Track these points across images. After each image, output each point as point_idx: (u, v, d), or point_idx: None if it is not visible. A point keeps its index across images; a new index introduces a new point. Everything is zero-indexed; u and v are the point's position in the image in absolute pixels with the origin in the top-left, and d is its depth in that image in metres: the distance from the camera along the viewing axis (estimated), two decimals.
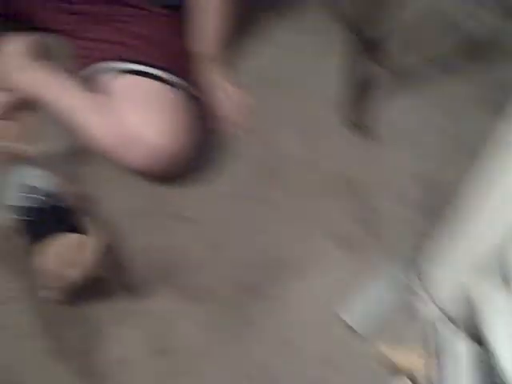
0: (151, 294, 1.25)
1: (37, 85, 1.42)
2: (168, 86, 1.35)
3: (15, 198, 1.22)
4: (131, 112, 1.31)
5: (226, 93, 1.50)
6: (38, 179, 1.24)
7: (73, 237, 1.15)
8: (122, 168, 1.35)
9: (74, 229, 1.17)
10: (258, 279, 1.29)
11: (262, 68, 1.60)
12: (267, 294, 1.27)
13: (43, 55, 1.48)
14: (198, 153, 1.40)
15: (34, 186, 1.22)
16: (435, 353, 1.13)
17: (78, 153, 1.39)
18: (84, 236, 1.15)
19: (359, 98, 1.54)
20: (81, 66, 1.44)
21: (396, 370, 1.15)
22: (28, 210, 1.20)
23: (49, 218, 1.19)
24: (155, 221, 1.35)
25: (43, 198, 1.21)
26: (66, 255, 1.13)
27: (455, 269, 1.12)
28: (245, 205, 1.39)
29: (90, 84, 1.41)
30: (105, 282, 1.21)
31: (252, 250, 1.33)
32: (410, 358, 1.15)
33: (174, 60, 1.40)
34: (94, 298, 1.23)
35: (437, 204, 1.34)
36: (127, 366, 1.18)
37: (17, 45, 1.46)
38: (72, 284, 1.16)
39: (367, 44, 1.54)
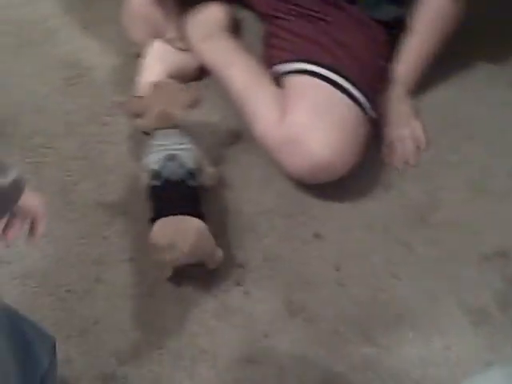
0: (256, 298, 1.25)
1: (217, 57, 1.42)
2: (348, 98, 1.28)
3: (157, 162, 1.22)
4: (302, 112, 1.26)
5: (409, 127, 1.42)
6: (184, 150, 1.24)
7: (185, 219, 1.17)
8: (272, 165, 1.33)
9: (194, 211, 1.19)
10: (372, 323, 1.23)
11: (444, 107, 1.49)
12: (376, 340, 1.21)
13: (232, 29, 1.49)
14: (353, 171, 1.31)
15: (176, 156, 1.22)
16: None
17: (231, 134, 1.40)
18: (196, 221, 1.17)
19: None
20: (268, 53, 1.42)
21: None
22: (163, 180, 1.21)
23: (174, 194, 1.21)
24: (286, 226, 1.33)
25: (180, 171, 1.21)
26: (173, 236, 1.16)
27: None
28: (382, 240, 1.32)
29: (272, 75, 1.38)
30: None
31: (375, 291, 1.26)
32: None
33: (364, 74, 1.31)
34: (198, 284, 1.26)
35: None
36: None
37: (209, 13, 1.47)
38: (174, 264, 1.21)
39: None
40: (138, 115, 1.28)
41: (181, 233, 1.16)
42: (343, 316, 1.24)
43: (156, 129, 1.27)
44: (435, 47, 1.39)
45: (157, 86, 1.30)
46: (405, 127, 1.41)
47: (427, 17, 1.39)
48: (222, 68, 1.41)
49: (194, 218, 1.19)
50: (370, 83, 1.32)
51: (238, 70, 1.40)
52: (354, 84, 1.28)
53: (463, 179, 1.39)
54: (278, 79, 1.37)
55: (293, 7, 1.40)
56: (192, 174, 1.23)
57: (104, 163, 1.38)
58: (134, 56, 1.48)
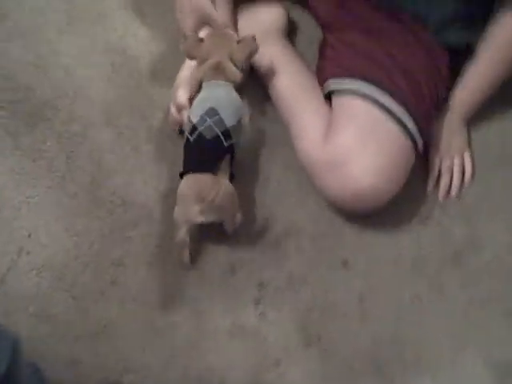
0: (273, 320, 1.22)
1: (267, 62, 1.35)
2: (399, 126, 1.20)
3: (196, 116, 1.20)
4: (349, 135, 1.20)
5: (459, 159, 1.33)
6: (227, 107, 1.21)
7: (214, 177, 1.15)
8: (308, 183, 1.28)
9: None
10: (390, 363, 1.19)
11: (499, 142, 1.40)
12: (393, 379, 1.18)
13: (287, 33, 1.43)
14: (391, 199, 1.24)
15: (216, 111, 1.19)
16: None
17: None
18: (224, 181, 1.15)
19: None
20: (322, 64, 1.35)
21: None
22: (198, 135, 1.18)
23: (206, 152, 1.18)
24: (314, 249, 1.28)
25: (216, 128, 1.18)
26: (201, 188, 1.15)
27: None
28: (412, 276, 1.26)
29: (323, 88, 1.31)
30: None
31: (397, 329, 1.22)
32: None
33: (421, 102, 1.24)
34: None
35: None
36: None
37: (267, 14, 1.41)
38: (193, 221, 1.17)
39: None
40: (192, 58, 1.26)
41: (208, 186, 1.14)
42: (360, 352, 1.20)
43: (207, 79, 1.24)
44: (501, 76, 1.28)
45: (214, 34, 1.28)
46: (455, 159, 1.33)
47: (498, 41, 1.27)
48: (271, 75, 1.34)
49: (222, 179, 1.16)
50: (425, 113, 1.24)
51: (288, 79, 1.33)
52: (408, 112, 1.21)
53: (509, 222, 1.30)
54: (328, 94, 1.29)
55: (356, 19, 1.32)
56: (228, 132, 1.19)
57: (136, 161, 1.34)
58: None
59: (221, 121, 1.18)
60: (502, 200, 1.34)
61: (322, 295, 1.24)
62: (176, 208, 1.19)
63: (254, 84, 1.38)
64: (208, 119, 1.18)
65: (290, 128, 1.31)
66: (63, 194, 1.31)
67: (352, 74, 1.25)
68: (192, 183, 1.17)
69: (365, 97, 1.22)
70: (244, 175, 1.30)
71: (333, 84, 1.27)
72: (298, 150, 1.28)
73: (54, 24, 1.48)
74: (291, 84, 1.33)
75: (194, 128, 1.19)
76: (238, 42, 1.27)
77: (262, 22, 1.39)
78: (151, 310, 1.23)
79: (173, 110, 1.30)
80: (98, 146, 1.36)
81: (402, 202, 1.27)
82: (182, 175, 1.20)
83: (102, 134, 1.37)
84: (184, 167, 1.21)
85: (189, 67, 1.32)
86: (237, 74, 1.24)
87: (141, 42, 1.46)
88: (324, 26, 1.39)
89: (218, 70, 1.24)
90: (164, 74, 1.41)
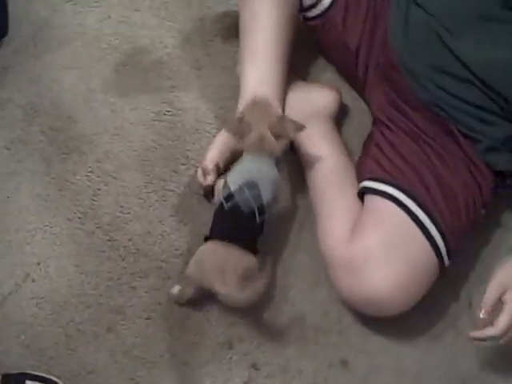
0: None
1: (309, 143, 1.33)
2: (427, 242, 1.17)
3: (235, 183, 1.18)
4: (374, 240, 1.17)
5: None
6: (267, 180, 1.19)
7: (238, 251, 1.14)
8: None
9: (250, 244, 1.16)
10: None
11: None
12: None
13: (335, 117, 1.41)
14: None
15: (256, 184, 1.17)
16: None
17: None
18: (249, 256, 1.14)
19: None
20: (363, 160, 1.32)
21: None
22: (233, 205, 1.16)
23: (238, 223, 1.16)
24: (315, 341, 1.25)
25: (253, 202, 1.16)
26: (223, 263, 1.12)
27: None
28: None
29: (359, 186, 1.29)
30: None
31: None
32: None
33: (455, 220, 1.20)
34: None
35: None
36: None
37: (320, 94, 1.40)
38: (207, 288, 1.15)
39: None
40: (238, 135, 1.23)
41: (229, 262, 1.12)
42: None
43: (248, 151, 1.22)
44: None
45: (255, 106, 1.25)
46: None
47: None
48: (310, 157, 1.33)
49: (247, 252, 1.15)
50: (457, 232, 1.21)
51: (326, 168, 1.32)
52: (440, 230, 1.18)
53: None
54: (362, 191, 1.27)
55: (406, 122, 1.30)
56: (263, 208, 1.17)
57: (160, 211, 1.33)
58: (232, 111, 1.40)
59: (259, 195, 1.17)
60: None
61: None
62: (192, 266, 1.17)
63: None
64: (246, 190, 1.17)
65: (318, 217, 1.29)
66: (81, 229, 1.31)
67: (390, 180, 1.23)
68: (219, 251, 1.15)
69: (400, 204, 1.20)
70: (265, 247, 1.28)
71: (370, 183, 1.25)
72: (321, 241, 1.26)
73: (112, 61, 1.50)
74: (328, 173, 1.32)
75: (230, 196, 1.17)
76: (279, 117, 1.26)
77: (313, 102, 1.39)
78: (139, 366, 1.21)
79: (199, 172, 1.30)
80: (126, 189, 1.35)
81: (416, 314, 1.22)
82: (207, 239, 1.18)
83: (133, 179, 1.37)
84: (212, 232, 1.18)
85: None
86: (276, 147, 1.22)
87: (190, 96, 1.47)
88: (375, 120, 1.38)
89: (259, 143, 1.22)
90: (205, 133, 1.42)
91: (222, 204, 1.18)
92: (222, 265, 1.12)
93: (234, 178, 1.19)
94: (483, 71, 1.20)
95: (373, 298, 1.15)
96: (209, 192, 1.31)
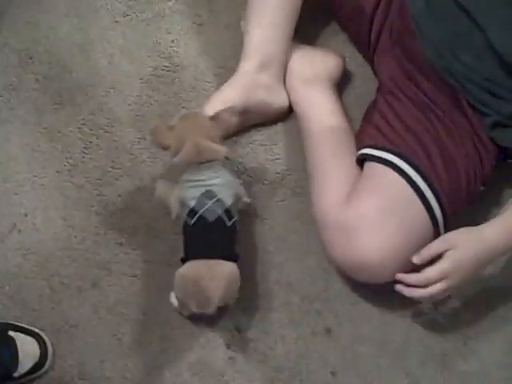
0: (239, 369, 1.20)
1: (310, 109, 1.32)
2: (426, 211, 1.16)
3: (193, 199, 1.14)
4: (370, 205, 1.15)
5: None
6: (221, 185, 1.15)
7: (218, 265, 1.12)
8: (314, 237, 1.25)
9: (228, 253, 1.14)
10: None
11: None
12: None
13: (337, 82, 1.38)
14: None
15: (213, 192, 1.14)
16: None
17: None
18: (229, 266, 1.12)
19: None
20: (365, 129, 1.29)
21: None
22: (199, 219, 1.13)
23: (209, 235, 1.13)
24: (300, 308, 1.24)
25: (217, 209, 1.13)
26: (204, 284, 1.10)
27: None
28: (391, 365, 1.21)
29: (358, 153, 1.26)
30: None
31: None
32: None
33: (454, 192, 1.18)
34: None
35: None
36: None
37: (324, 59, 1.37)
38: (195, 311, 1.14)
39: None
40: (165, 147, 1.18)
41: (212, 282, 1.10)
42: None
43: (190, 162, 1.17)
44: None
45: (184, 118, 1.21)
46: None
47: None
48: (310, 123, 1.31)
49: (228, 263, 1.12)
50: (456, 203, 1.19)
51: (325, 131, 1.30)
52: (439, 199, 1.17)
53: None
54: (361, 159, 1.25)
55: (416, 91, 1.26)
56: (229, 211, 1.14)
57: (152, 168, 1.31)
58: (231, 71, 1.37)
59: (221, 201, 1.13)
60: None
61: (295, 358, 1.21)
62: (177, 293, 1.16)
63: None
64: (207, 201, 1.13)
65: (314, 181, 1.27)
66: (70, 182, 1.29)
67: (392, 149, 1.21)
68: (194, 274, 1.11)
69: (399, 171, 1.18)
70: (248, 217, 1.28)
71: (371, 151, 1.23)
72: (316, 204, 1.24)
73: (112, 11, 1.46)
74: (327, 136, 1.29)
75: (192, 211, 1.13)
76: (211, 118, 1.20)
77: (316, 67, 1.36)
78: (122, 323, 1.20)
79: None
80: (118, 144, 1.33)
81: None
82: (184, 260, 1.14)
83: (125, 134, 1.34)
84: (187, 252, 1.15)
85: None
86: (219, 150, 1.17)
87: (190, 52, 1.43)
88: (380, 86, 1.34)
89: (198, 151, 1.15)
90: (202, 92, 1.39)
91: (186, 223, 1.14)
92: (204, 287, 1.10)
93: (189, 194, 1.15)
94: (505, 49, 1.17)
95: (366, 262, 1.14)
96: None
